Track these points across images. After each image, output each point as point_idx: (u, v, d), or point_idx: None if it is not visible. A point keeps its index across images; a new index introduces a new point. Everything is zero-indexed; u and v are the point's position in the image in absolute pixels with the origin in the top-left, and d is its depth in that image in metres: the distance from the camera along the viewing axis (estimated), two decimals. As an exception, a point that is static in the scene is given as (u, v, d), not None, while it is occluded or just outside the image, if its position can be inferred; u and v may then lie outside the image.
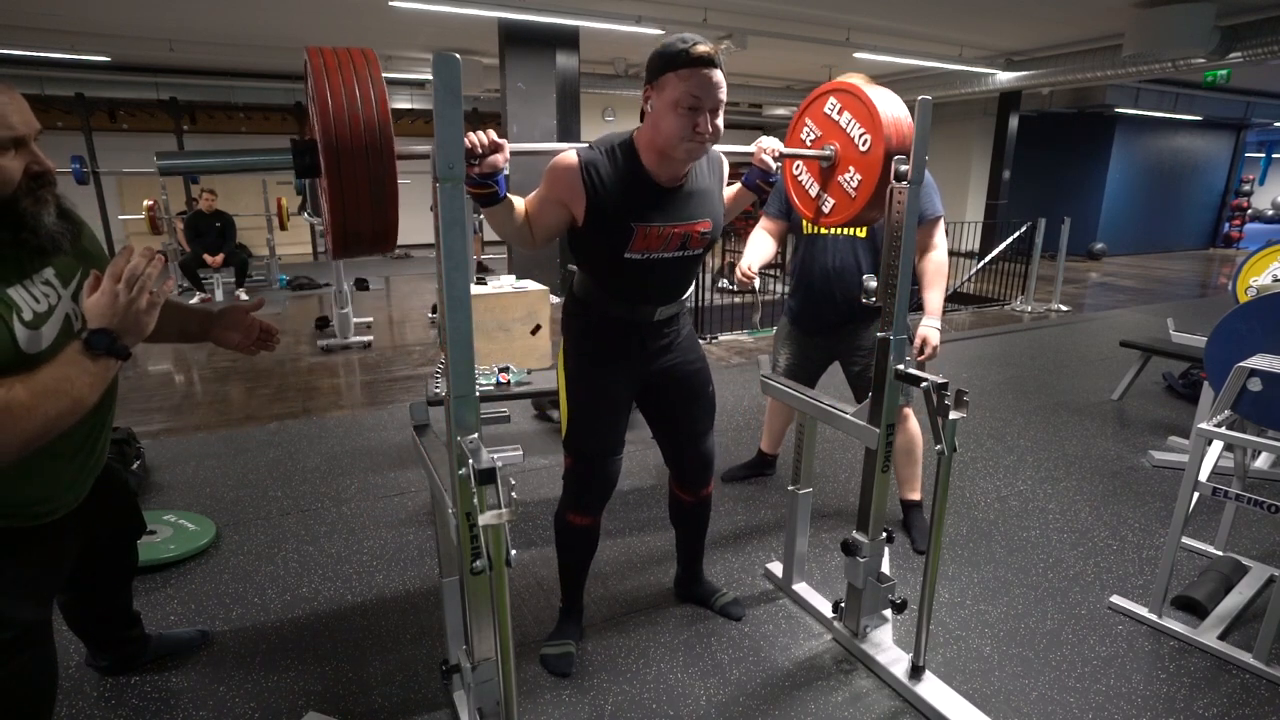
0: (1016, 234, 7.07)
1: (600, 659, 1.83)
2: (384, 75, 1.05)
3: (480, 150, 1.20)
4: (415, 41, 7.47)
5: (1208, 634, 1.91)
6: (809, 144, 1.77)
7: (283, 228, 8.11)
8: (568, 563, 1.85)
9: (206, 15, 6.24)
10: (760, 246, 2.27)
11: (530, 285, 3.48)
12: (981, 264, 7.50)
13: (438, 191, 1.03)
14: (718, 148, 1.60)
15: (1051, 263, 7.22)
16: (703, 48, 1.35)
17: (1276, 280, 2.95)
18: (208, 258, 6.70)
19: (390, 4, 5.32)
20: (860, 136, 1.62)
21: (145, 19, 6.36)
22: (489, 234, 9.67)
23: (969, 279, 7.62)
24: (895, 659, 1.78)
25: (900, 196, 1.55)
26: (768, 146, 1.61)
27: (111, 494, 1.46)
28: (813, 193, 1.81)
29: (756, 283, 1.87)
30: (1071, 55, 7.52)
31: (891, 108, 1.57)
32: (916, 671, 1.70)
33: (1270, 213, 16.59)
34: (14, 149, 1.05)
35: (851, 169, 1.66)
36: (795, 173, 1.87)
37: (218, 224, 6.90)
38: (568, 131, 6.31)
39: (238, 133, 10.38)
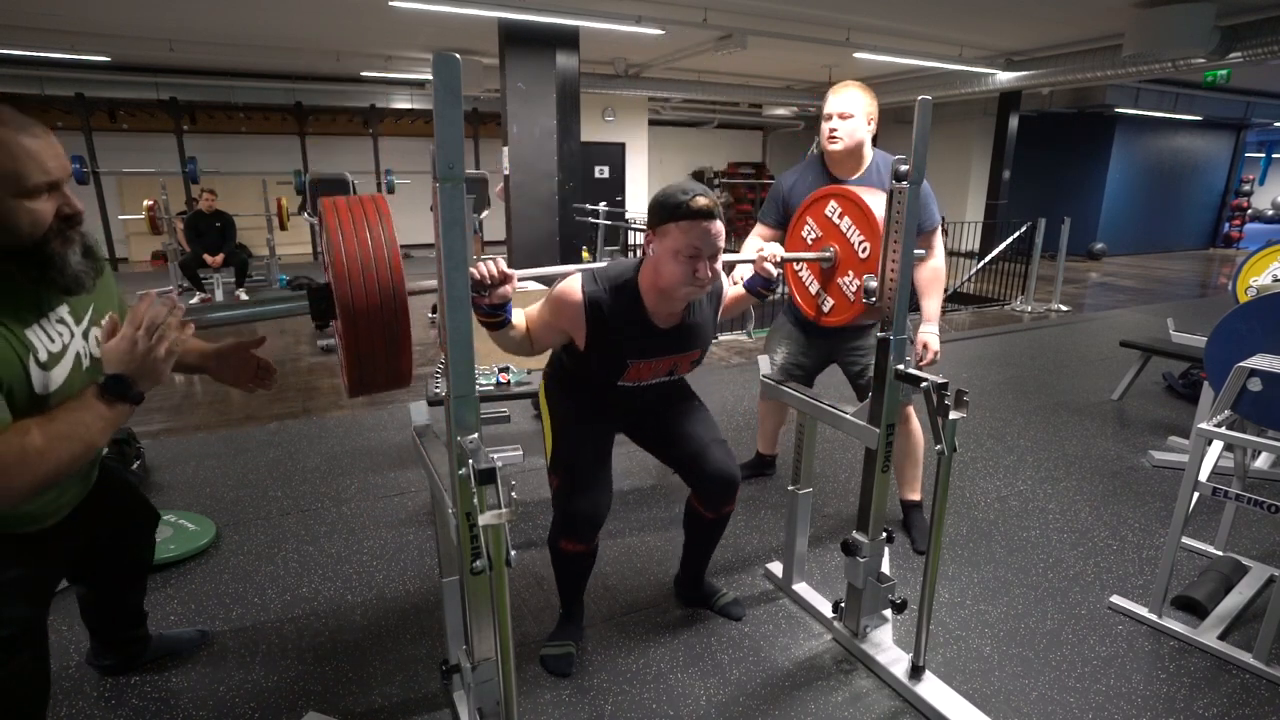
0: (1016, 234, 7.07)
1: (600, 659, 1.83)
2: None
3: (490, 281, 1.27)
4: (415, 41, 7.46)
5: (1208, 634, 1.91)
6: (810, 242, 1.85)
7: (283, 228, 8.10)
8: (565, 583, 1.86)
9: (206, 15, 6.23)
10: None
11: (530, 285, 3.47)
12: (981, 264, 7.50)
13: (438, 192, 1.03)
14: (720, 278, 1.68)
15: (1051, 263, 7.22)
16: (702, 200, 1.44)
17: (1276, 280, 2.95)
18: (208, 258, 6.69)
19: (390, 4, 5.32)
20: (860, 244, 1.69)
21: (145, 19, 6.36)
22: (489, 234, 9.68)
23: (969, 279, 7.62)
24: (895, 659, 1.78)
25: (900, 196, 1.55)
26: (769, 254, 1.67)
27: (113, 491, 1.47)
28: (813, 290, 1.89)
29: (773, 270, 1.83)
30: (1071, 55, 7.51)
31: (883, 210, 1.63)
32: (916, 671, 1.70)
33: (1270, 213, 16.59)
34: (48, 192, 1.07)
35: (850, 274, 1.73)
36: (796, 268, 1.95)
37: (218, 224, 6.90)
38: (568, 132, 6.31)
39: (238, 133, 10.38)
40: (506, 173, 6.37)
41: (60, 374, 1.13)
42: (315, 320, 1.18)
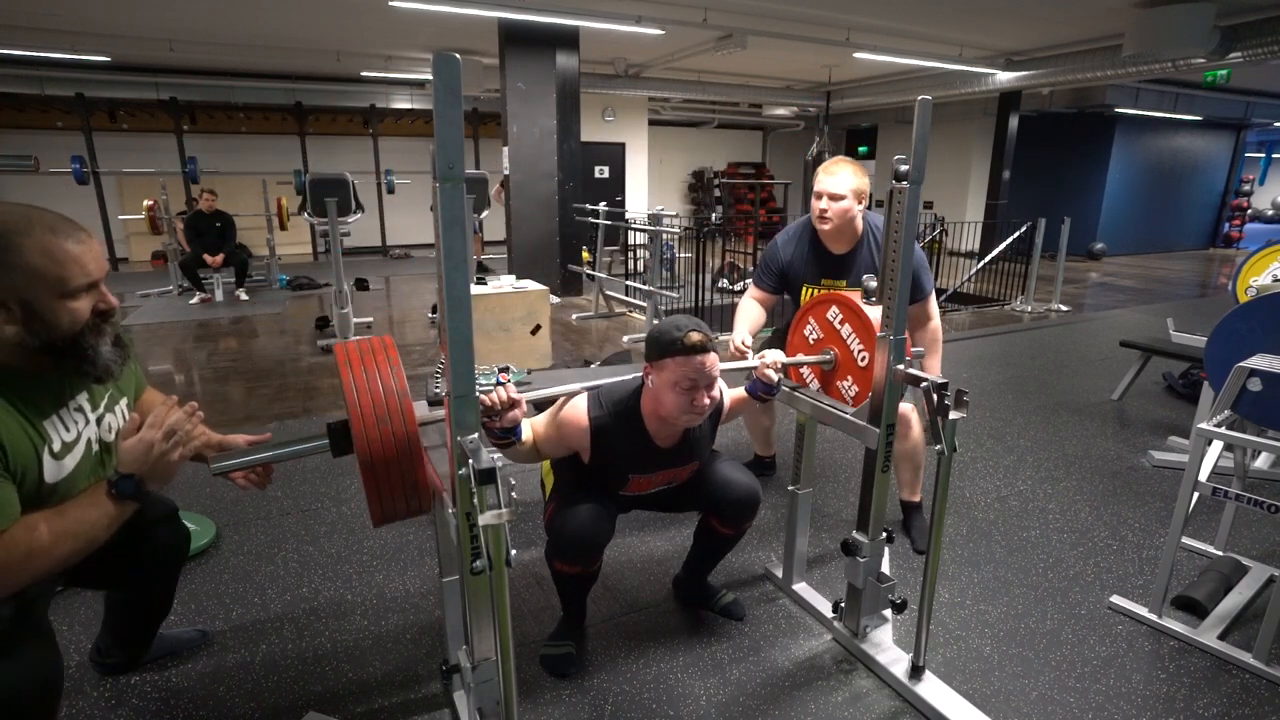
0: (1016, 234, 7.07)
1: (600, 659, 1.83)
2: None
3: (500, 408, 1.34)
4: (415, 41, 7.47)
5: (1208, 634, 1.91)
6: (811, 341, 1.92)
7: (283, 228, 8.10)
8: (566, 593, 1.87)
9: (206, 15, 6.24)
10: (749, 316, 2.38)
11: (530, 285, 3.47)
12: (981, 264, 7.50)
13: (438, 192, 1.03)
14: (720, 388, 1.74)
15: (1051, 263, 7.22)
16: (695, 336, 1.51)
17: (1276, 280, 2.95)
18: (208, 258, 6.69)
19: (390, 4, 5.32)
20: (859, 353, 1.75)
21: (145, 19, 6.36)
22: (489, 234, 9.67)
23: (969, 279, 7.62)
24: (895, 659, 1.78)
25: (900, 196, 1.55)
26: (770, 360, 1.74)
27: None
28: (813, 389, 1.94)
29: (751, 356, 1.90)
30: (1071, 55, 7.52)
31: (879, 320, 1.68)
32: (916, 671, 1.70)
33: (1270, 213, 16.58)
34: (87, 291, 1.12)
35: (850, 379, 1.79)
36: (796, 362, 1.98)
37: (218, 224, 6.90)
38: (568, 132, 6.31)
39: (238, 133, 10.38)
40: (506, 173, 6.37)
41: (71, 462, 1.17)
42: (335, 456, 1.29)
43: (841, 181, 2.20)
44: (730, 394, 1.83)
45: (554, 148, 6.27)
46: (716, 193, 13.70)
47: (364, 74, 8.91)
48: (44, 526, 1.04)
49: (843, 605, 1.89)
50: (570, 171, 6.41)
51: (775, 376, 1.74)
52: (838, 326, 1.82)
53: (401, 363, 1.31)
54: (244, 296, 6.99)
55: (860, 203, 2.23)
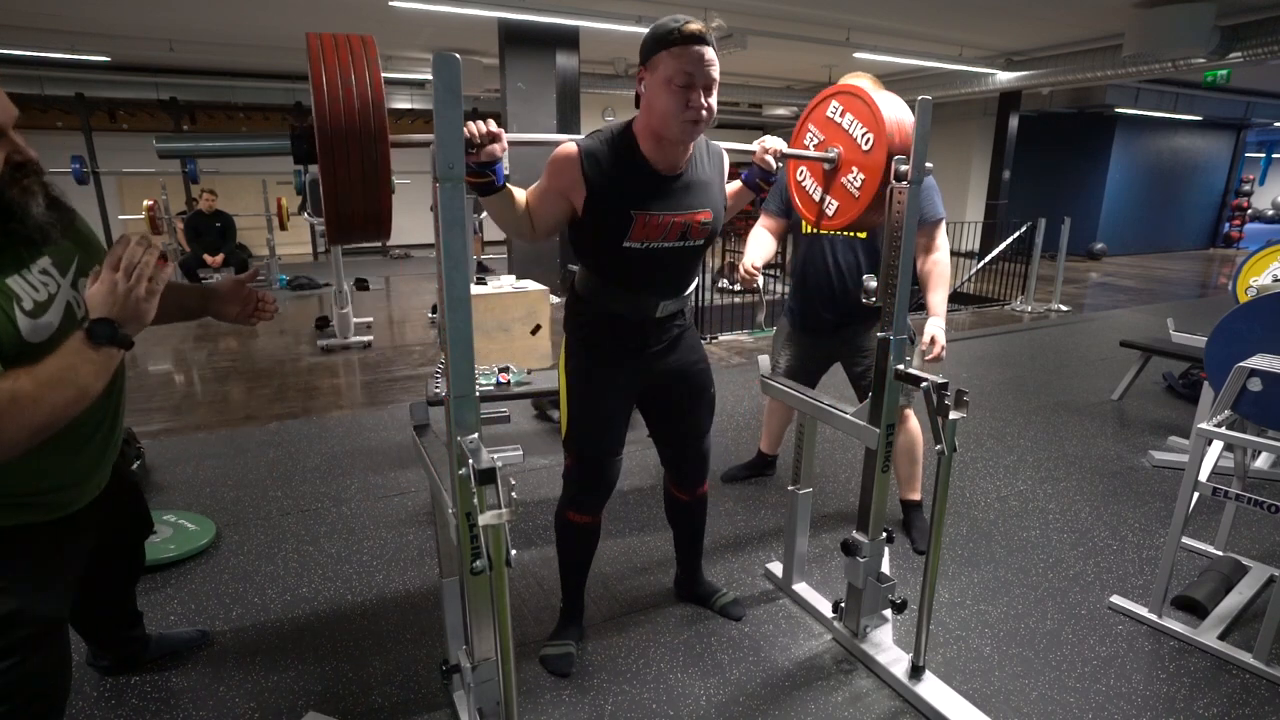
0: (1016, 234, 7.07)
1: (600, 659, 1.83)
2: (384, 75, 1.05)
3: (478, 139, 1.21)
4: (415, 41, 7.47)
5: (1208, 634, 1.91)
6: (813, 148, 1.77)
7: (283, 228, 8.10)
8: (568, 561, 1.85)
9: (206, 15, 6.24)
10: (761, 244, 2.27)
11: (530, 285, 3.47)
12: (981, 264, 7.50)
13: (438, 191, 1.03)
14: (719, 144, 1.61)
15: (1051, 263, 7.22)
16: (694, 25, 1.37)
17: (1276, 280, 2.95)
18: (208, 258, 6.70)
19: (390, 4, 5.32)
20: (863, 136, 1.62)
21: (145, 19, 6.36)
22: (489, 234, 9.67)
23: (969, 279, 7.62)
24: (895, 659, 1.78)
25: (900, 196, 1.55)
26: (770, 146, 1.61)
27: (123, 492, 1.47)
28: (816, 196, 1.81)
29: (760, 280, 1.87)
30: (1071, 55, 7.52)
31: (894, 108, 1.58)
32: (916, 671, 1.70)
33: (1270, 213, 16.59)
34: None
35: (855, 169, 1.65)
36: (799, 178, 1.87)
37: (218, 224, 6.91)
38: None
39: (238, 133, 10.38)
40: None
41: (52, 320, 1.12)
42: (296, 162, 1.14)
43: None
44: (728, 187, 1.72)
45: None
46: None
47: (364, 74, 8.90)
48: (25, 377, 1.00)
49: (843, 605, 1.89)
50: (570, 171, 6.41)
51: (774, 164, 1.62)
52: (839, 120, 1.69)
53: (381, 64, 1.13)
54: (244, 296, 6.98)
55: None
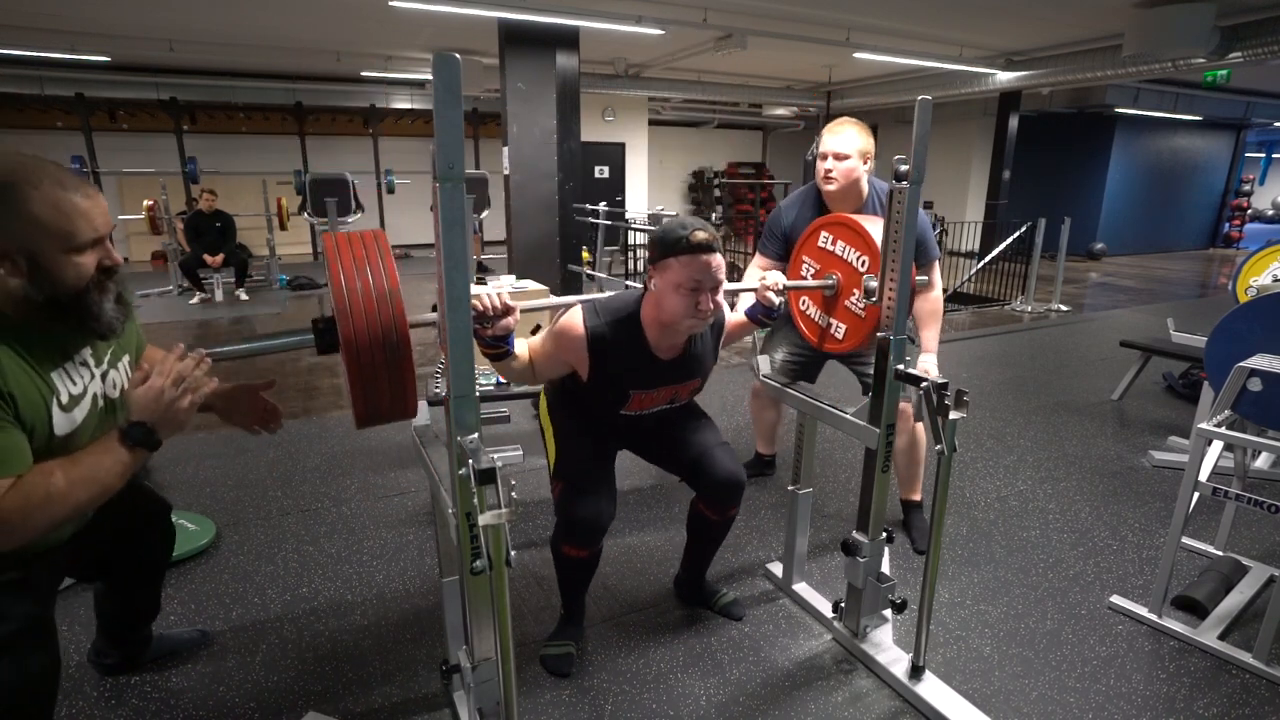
0: (1016, 234, 7.07)
1: (600, 659, 1.83)
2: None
3: (492, 314, 1.28)
4: (415, 41, 7.46)
5: (1208, 634, 1.91)
6: (810, 277, 1.88)
7: (283, 228, 8.10)
8: (567, 584, 1.86)
9: (206, 15, 6.23)
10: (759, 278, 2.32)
11: (530, 285, 3.47)
12: (981, 264, 7.50)
13: (437, 192, 1.03)
14: (721, 310, 1.69)
15: (1051, 263, 7.22)
16: (701, 235, 1.46)
17: (1276, 280, 2.95)
18: (208, 258, 6.69)
19: (390, 4, 5.32)
20: (858, 259, 1.72)
21: (145, 19, 6.36)
22: (489, 234, 9.67)
23: (969, 279, 7.62)
24: (895, 659, 1.78)
25: (900, 196, 1.55)
26: (771, 283, 1.69)
27: (126, 491, 1.47)
28: (822, 323, 1.91)
29: (775, 299, 1.79)
30: (1071, 55, 7.51)
31: (879, 230, 1.65)
32: (916, 671, 1.70)
33: (1270, 213, 16.58)
34: (93, 247, 1.12)
35: (856, 292, 1.74)
36: (802, 307, 1.97)
37: (218, 224, 6.90)
38: (568, 132, 6.30)
39: (238, 133, 10.38)
40: (506, 173, 6.38)
41: (79, 415, 1.17)
42: (320, 352, 1.20)
43: (847, 141, 2.12)
44: (731, 317, 1.80)
45: (554, 148, 6.27)
46: (716, 193, 13.70)
47: (364, 74, 8.90)
48: (59, 473, 1.05)
49: (843, 605, 1.89)
50: (570, 171, 6.41)
51: (776, 300, 1.70)
52: (831, 249, 1.78)
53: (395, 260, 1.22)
54: (244, 296, 6.98)
55: (865, 163, 2.16)
